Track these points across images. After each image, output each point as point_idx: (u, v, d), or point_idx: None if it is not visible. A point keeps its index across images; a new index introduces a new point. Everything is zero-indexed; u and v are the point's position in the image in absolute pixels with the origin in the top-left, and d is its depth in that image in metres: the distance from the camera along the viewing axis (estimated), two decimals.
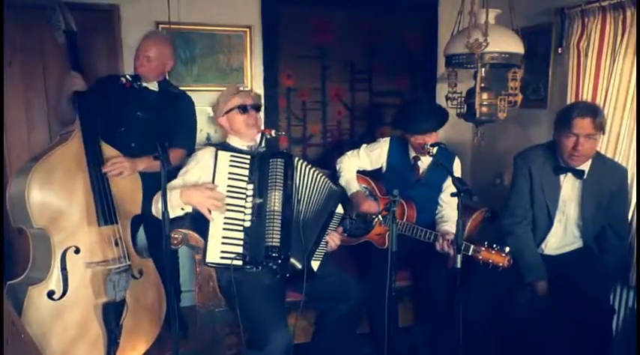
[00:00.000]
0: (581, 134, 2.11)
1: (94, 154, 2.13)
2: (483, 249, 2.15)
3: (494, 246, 2.15)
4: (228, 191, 2.07)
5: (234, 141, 2.29)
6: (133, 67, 2.51)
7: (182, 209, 2.04)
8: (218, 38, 3.05)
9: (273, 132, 2.20)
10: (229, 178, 2.08)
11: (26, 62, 2.85)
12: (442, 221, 2.56)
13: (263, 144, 2.23)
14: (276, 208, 2.05)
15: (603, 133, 2.21)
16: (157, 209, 2.07)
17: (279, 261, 2.03)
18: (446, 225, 2.50)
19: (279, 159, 2.12)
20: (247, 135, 2.26)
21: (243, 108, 2.23)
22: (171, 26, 2.90)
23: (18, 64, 2.84)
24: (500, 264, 2.12)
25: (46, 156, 2.04)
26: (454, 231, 2.30)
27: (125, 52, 2.87)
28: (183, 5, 2.93)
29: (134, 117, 2.48)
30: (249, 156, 2.14)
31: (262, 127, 2.34)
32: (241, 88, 2.34)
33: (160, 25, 2.90)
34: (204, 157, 2.17)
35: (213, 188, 2.04)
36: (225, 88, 2.42)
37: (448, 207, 2.58)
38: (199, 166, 2.16)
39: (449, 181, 2.54)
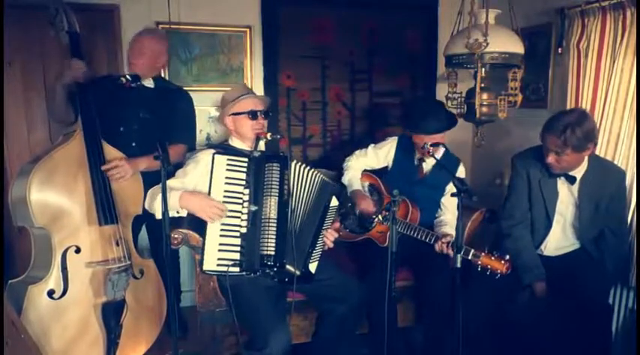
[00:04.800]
0: (551, 149, 2.09)
1: (96, 154, 2.13)
2: (483, 254, 2.12)
3: (495, 252, 2.12)
4: (225, 196, 2.02)
5: (235, 142, 2.24)
6: (127, 62, 2.48)
7: (177, 212, 2.01)
8: (218, 38, 3.05)
9: (268, 135, 2.14)
10: (226, 183, 2.02)
11: (26, 62, 2.85)
12: (441, 224, 2.55)
13: (258, 148, 2.16)
14: (271, 216, 2.00)
15: (580, 149, 2.06)
16: (150, 204, 2.04)
17: (275, 269, 2.00)
18: (445, 228, 2.49)
19: (274, 164, 2.04)
20: (251, 139, 2.19)
21: (253, 115, 2.16)
22: (171, 26, 2.91)
23: (18, 64, 2.84)
24: (499, 271, 2.09)
25: (48, 156, 2.04)
26: (453, 234, 2.31)
27: (125, 52, 2.86)
28: (183, 5, 2.93)
29: (133, 116, 2.47)
30: (246, 159, 2.06)
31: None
32: (249, 89, 2.29)
33: (160, 25, 2.91)
34: (202, 161, 2.11)
35: (213, 199, 1.99)
36: (229, 88, 2.35)
37: (448, 211, 2.58)
38: (197, 171, 2.11)
39: (452, 185, 2.50)
